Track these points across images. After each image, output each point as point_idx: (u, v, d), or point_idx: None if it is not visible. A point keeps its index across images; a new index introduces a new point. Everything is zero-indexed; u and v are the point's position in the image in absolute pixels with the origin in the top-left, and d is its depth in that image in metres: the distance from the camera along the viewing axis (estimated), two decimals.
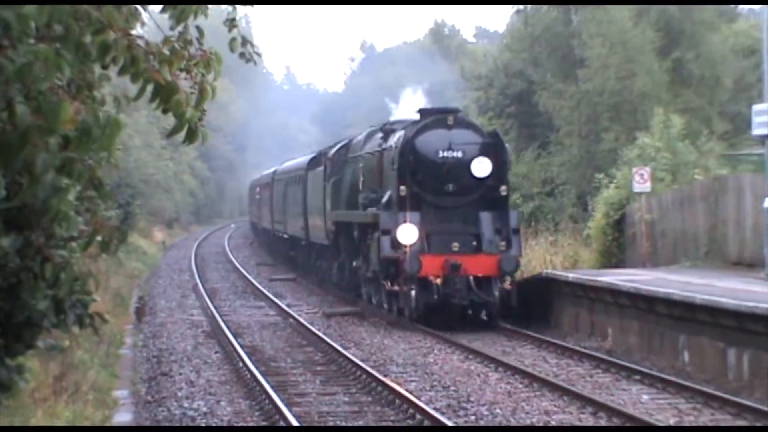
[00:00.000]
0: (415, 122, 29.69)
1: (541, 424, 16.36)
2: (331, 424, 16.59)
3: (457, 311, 27.64)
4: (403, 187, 28.00)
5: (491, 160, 28.27)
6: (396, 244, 27.33)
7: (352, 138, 36.92)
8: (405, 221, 27.36)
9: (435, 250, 27.48)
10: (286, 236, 49.38)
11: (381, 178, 30.18)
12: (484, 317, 28.04)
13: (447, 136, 28.45)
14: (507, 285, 27.17)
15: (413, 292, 26.97)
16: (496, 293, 27.12)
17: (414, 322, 27.38)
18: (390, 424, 16.63)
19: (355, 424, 16.58)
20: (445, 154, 28.29)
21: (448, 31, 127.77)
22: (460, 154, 28.30)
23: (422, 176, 28.34)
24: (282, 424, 15.99)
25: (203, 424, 16.44)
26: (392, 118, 35.31)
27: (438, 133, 28.55)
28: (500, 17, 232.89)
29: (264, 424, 16.57)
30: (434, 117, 29.22)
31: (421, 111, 30.54)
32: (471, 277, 26.85)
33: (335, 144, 39.33)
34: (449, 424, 15.67)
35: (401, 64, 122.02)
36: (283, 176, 51.73)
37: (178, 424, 16.49)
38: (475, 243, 27.82)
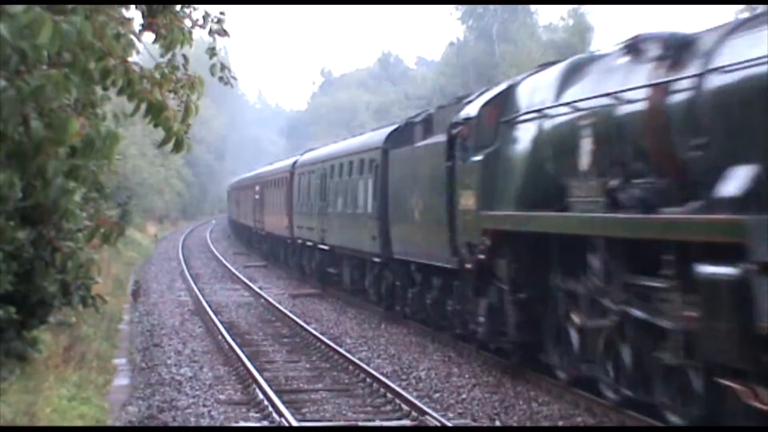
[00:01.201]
0: None
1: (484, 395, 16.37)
2: (294, 386, 16.54)
3: None
4: None
5: None
6: None
7: (502, 86, 17.93)
8: None
9: None
10: (324, 248, 31.15)
11: (660, 146, 12.11)
12: None
13: None
14: None
15: None
16: None
17: None
18: (344, 386, 16.60)
19: (315, 386, 16.54)
20: None
21: (393, 60, 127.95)
22: None
23: None
24: (254, 387, 15.93)
25: (188, 388, 16.34)
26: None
27: None
28: (437, 48, 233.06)
29: (239, 386, 16.50)
30: None
31: None
32: None
33: (456, 102, 20.57)
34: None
35: (354, 87, 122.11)
36: (314, 167, 33.61)
37: (168, 387, 16.39)
38: None
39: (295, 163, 39.04)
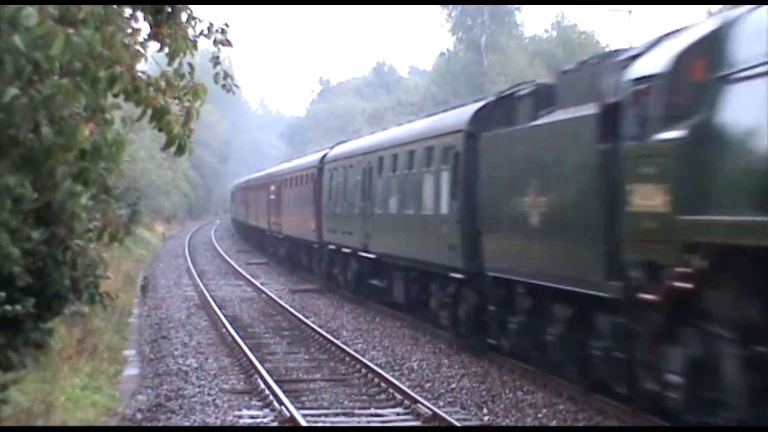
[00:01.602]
0: None
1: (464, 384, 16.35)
2: (294, 376, 16.51)
3: None
4: None
5: None
6: None
7: (707, 27, 10.96)
8: None
9: None
10: (368, 256, 24.85)
11: None
12: None
13: None
14: None
15: None
16: None
17: None
18: (341, 376, 16.57)
19: (314, 376, 16.51)
20: None
21: (387, 69, 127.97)
22: None
23: None
24: (256, 377, 15.89)
25: (194, 378, 16.31)
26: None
27: None
28: (428, 57, 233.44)
29: (242, 376, 16.47)
30: None
31: None
32: None
33: (597, 62, 13.82)
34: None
35: (350, 94, 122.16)
36: (353, 160, 27.26)
37: (175, 377, 16.35)
38: None
39: (323, 157, 31.80)
